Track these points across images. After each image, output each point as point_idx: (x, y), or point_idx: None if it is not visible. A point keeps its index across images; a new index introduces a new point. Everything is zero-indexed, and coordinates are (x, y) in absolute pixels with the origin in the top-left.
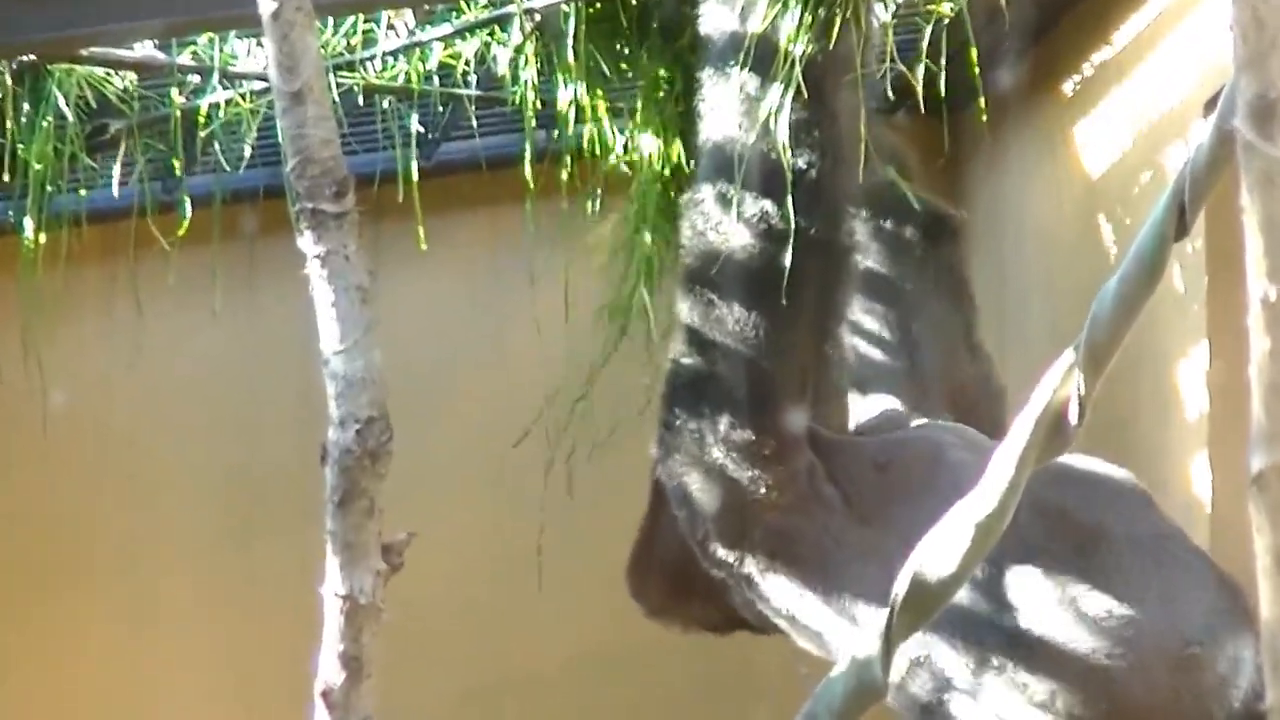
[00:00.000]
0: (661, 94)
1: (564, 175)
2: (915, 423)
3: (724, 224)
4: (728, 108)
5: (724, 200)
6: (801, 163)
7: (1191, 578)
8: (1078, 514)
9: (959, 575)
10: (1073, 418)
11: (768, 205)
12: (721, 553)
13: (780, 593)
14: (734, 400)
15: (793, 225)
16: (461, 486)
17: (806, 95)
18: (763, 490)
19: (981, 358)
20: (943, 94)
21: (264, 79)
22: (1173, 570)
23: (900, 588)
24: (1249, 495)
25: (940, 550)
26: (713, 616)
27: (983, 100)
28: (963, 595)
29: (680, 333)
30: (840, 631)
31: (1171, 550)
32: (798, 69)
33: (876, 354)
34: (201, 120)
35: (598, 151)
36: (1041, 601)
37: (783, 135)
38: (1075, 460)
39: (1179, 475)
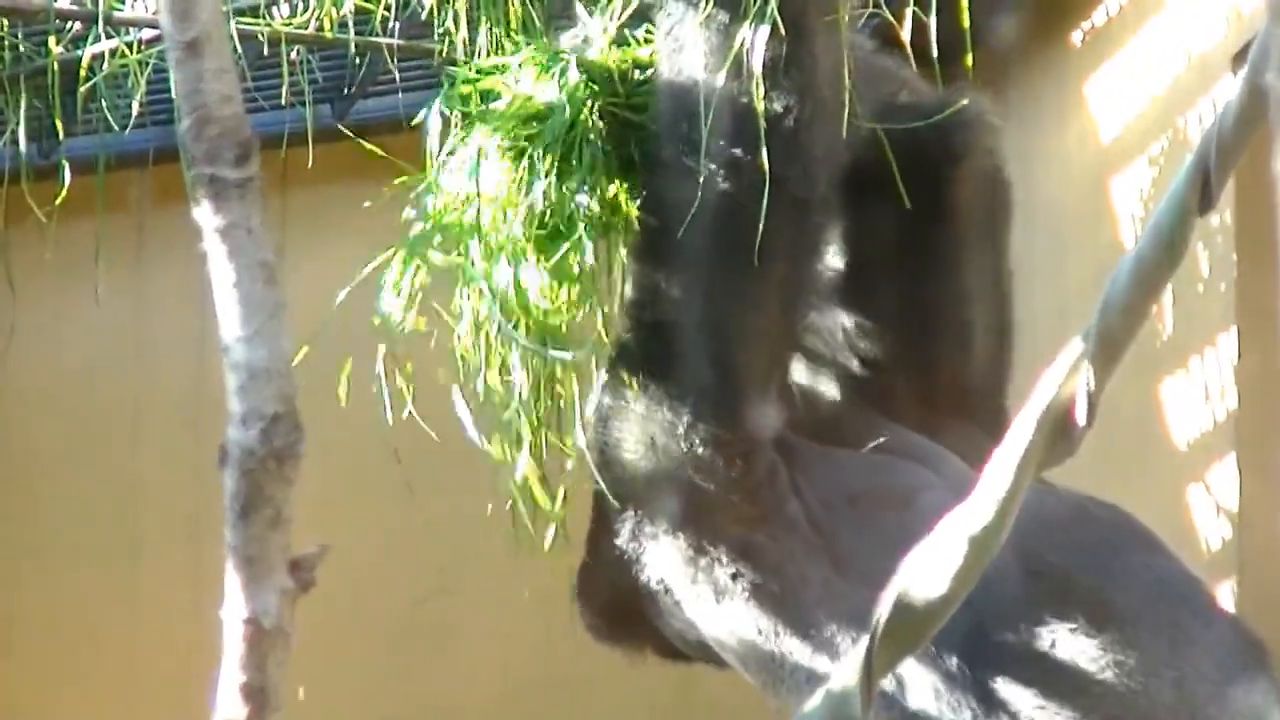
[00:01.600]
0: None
1: None
2: (889, 433)
3: (684, 178)
4: (691, 43)
5: (685, 150)
6: (778, 107)
7: (1206, 642)
8: (1079, 578)
9: (950, 597)
10: (1080, 418)
11: (738, 155)
12: (670, 570)
13: (734, 622)
14: (700, 388)
15: (767, 180)
16: (379, 493)
17: (784, 32)
18: (734, 498)
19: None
20: (934, 43)
21: (155, 26)
22: (1185, 642)
23: (883, 611)
24: None
25: (929, 569)
26: (666, 644)
27: (974, 50)
28: (947, 679)
29: (633, 306)
30: (799, 677)
31: (1182, 613)
32: (773, 2)
33: (853, 343)
34: (83, 73)
35: None
36: (1043, 694)
37: (756, 74)
38: (1067, 505)
39: (1203, 480)
